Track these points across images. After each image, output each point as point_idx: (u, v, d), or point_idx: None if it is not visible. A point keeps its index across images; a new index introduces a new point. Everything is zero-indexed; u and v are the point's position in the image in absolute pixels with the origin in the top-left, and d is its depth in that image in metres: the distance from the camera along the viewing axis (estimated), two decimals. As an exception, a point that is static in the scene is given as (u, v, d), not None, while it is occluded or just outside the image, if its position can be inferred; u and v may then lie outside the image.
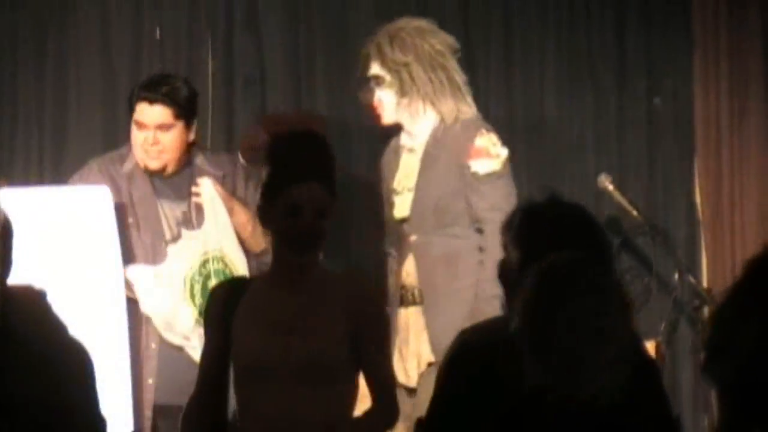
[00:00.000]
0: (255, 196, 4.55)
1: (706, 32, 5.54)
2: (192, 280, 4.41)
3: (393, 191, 4.64)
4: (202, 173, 4.55)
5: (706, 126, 5.52)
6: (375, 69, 4.56)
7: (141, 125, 4.48)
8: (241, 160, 4.67)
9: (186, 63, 5.41)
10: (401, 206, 4.61)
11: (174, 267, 4.45)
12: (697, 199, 5.55)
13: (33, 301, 2.67)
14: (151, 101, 4.46)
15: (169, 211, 4.52)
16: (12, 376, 2.51)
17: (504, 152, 4.54)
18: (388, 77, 4.52)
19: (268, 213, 3.34)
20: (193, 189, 4.51)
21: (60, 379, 2.63)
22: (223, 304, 3.37)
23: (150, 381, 4.40)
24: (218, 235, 4.45)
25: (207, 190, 4.47)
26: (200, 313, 4.34)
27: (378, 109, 4.61)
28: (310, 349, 3.29)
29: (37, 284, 2.72)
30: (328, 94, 5.48)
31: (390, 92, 4.54)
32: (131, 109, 4.52)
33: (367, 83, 4.60)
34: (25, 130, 5.39)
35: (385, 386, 3.38)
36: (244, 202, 4.57)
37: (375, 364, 3.37)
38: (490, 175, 4.46)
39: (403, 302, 4.52)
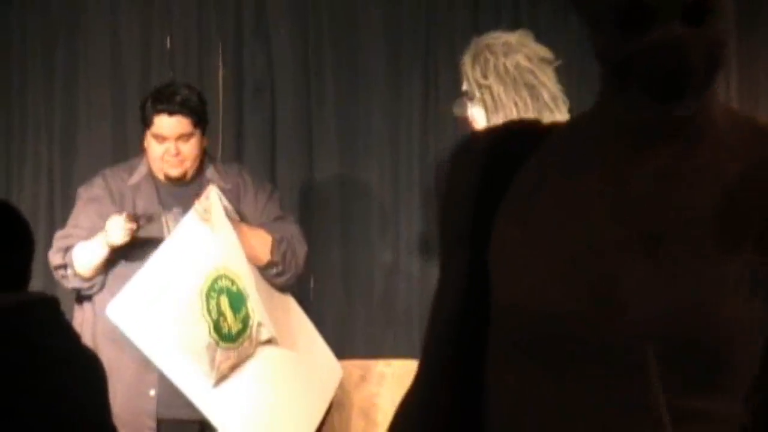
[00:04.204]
0: (266, 206, 4.56)
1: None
2: (208, 295, 4.31)
3: None
4: (213, 185, 4.52)
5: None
6: (465, 85, 4.54)
7: (161, 138, 4.44)
8: None
9: (196, 72, 5.41)
10: None
11: (186, 278, 4.34)
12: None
13: (47, 309, 2.67)
14: (171, 113, 4.41)
15: (173, 224, 4.50)
16: (25, 384, 2.51)
17: None
18: (476, 94, 4.49)
19: (595, 19, 1.56)
20: (200, 200, 4.43)
21: (72, 387, 2.63)
22: (482, 186, 1.60)
23: (152, 393, 4.36)
24: (222, 249, 4.40)
25: (214, 201, 4.42)
26: (216, 331, 4.29)
27: (471, 123, 4.57)
28: (693, 297, 1.46)
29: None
30: (337, 102, 5.48)
31: (480, 109, 4.51)
32: (146, 123, 4.48)
33: (462, 96, 4.57)
34: (35, 139, 5.39)
35: None
36: (251, 214, 4.54)
37: None
38: None
39: None
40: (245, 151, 5.40)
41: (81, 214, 4.48)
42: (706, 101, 1.54)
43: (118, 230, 4.28)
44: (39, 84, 5.40)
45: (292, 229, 4.56)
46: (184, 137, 4.44)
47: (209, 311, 4.29)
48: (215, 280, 4.31)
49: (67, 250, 4.40)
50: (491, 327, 1.53)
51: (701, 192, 1.49)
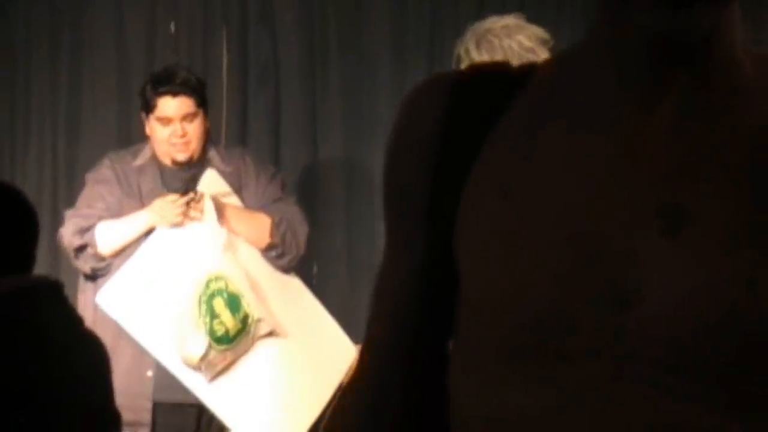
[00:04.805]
0: (267, 189, 4.56)
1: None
2: (200, 300, 4.27)
3: None
4: (212, 167, 4.53)
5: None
6: None
7: (166, 120, 4.44)
8: None
9: (200, 56, 5.41)
10: None
11: (177, 276, 4.31)
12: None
13: (51, 293, 2.67)
14: (174, 93, 4.42)
15: None
16: (28, 368, 2.52)
17: None
18: None
19: None
20: (192, 209, 4.38)
21: (75, 371, 2.63)
22: (445, 140, 1.21)
23: (149, 373, 4.37)
24: (212, 249, 4.39)
25: (207, 202, 4.40)
26: (210, 335, 4.25)
27: None
28: (720, 288, 1.07)
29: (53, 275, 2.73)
30: (342, 86, 5.48)
31: None
32: (148, 109, 4.47)
33: None
34: (39, 125, 5.40)
35: None
36: (253, 197, 4.54)
37: None
38: None
39: None
40: (249, 137, 5.40)
41: (95, 196, 4.47)
42: (723, 24, 1.12)
43: (173, 210, 4.30)
44: (44, 70, 5.40)
45: (291, 210, 4.55)
46: (189, 117, 4.44)
47: (204, 315, 4.27)
48: (207, 284, 4.30)
49: (86, 230, 4.39)
50: (461, 323, 1.19)
51: (724, 154, 1.11)
